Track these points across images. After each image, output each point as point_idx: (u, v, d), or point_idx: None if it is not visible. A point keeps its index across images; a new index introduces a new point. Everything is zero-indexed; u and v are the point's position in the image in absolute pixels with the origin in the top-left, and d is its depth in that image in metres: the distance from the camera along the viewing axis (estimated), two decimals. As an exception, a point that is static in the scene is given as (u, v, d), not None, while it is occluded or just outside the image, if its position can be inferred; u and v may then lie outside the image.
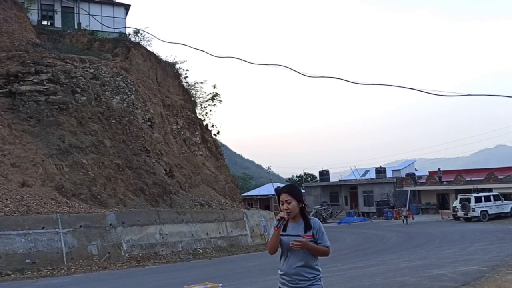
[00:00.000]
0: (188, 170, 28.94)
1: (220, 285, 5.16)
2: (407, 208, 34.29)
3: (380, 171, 50.15)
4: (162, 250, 19.27)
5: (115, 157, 22.98)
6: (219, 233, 23.12)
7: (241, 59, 15.19)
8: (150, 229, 19.30)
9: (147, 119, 27.40)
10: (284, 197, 3.92)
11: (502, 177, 39.54)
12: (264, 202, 55.44)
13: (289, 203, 3.88)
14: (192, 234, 21.34)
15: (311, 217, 4.01)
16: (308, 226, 3.90)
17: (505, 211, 31.67)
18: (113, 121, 24.50)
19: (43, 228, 15.27)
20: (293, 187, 4.09)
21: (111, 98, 25.55)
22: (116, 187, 21.75)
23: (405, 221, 32.98)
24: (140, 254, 18.01)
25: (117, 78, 26.61)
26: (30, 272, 13.27)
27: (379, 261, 13.13)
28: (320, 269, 3.95)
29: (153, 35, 25.59)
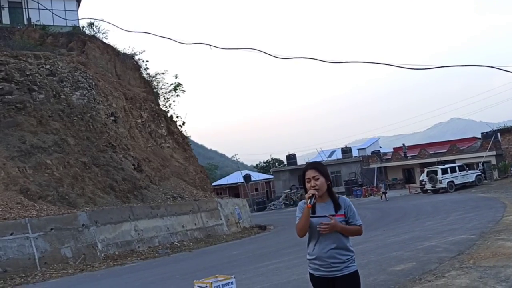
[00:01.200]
0: (157, 163, 28.23)
1: (233, 276, 4.79)
2: (384, 185, 34.67)
3: (346, 151, 50.71)
4: (138, 247, 18.72)
5: (80, 155, 22.07)
6: (195, 224, 22.72)
7: (210, 45, 14.68)
8: (124, 226, 18.69)
9: (110, 114, 26.42)
10: (311, 173, 3.60)
11: (463, 148, 40.74)
12: (233, 190, 55.15)
13: (316, 179, 3.57)
14: (168, 228, 20.86)
15: (339, 196, 3.72)
16: (337, 205, 3.61)
17: (470, 180, 32.62)
18: (75, 118, 23.48)
19: (11, 234, 14.40)
20: (320, 163, 3.80)
21: (71, 94, 24.43)
22: (84, 186, 20.90)
23: (383, 197, 33.26)
24: (117, 253, 17.44)
25: (75, 73, 25.46)
26: (2, 281, 12.47)
27: (364, 239, 13.05)
28: (353, 250, 3.67)
29: (114, 25, 24.54)
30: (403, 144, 46.20)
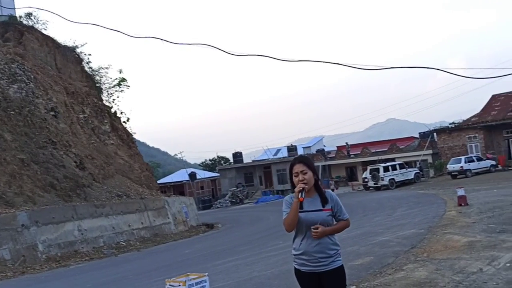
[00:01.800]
0: (100, 160, 27.21)
1: (206, 274, 4.62)
2: (333, 182, 35.33)
3: (292, 149, 51.42)
4: (82, 247, 17.98)
5: (18, 151, 20.83)
6: (142, 223, 22.17)
7: (162, 39, 14.24)
8: (67, 226, 17.88)
9: (50, 109, 25.13)
10: (298, 167, 3.54)
11: (402, 147, 42.47)
12: (178, 189, 54.29)
13: (304, 174, 3.52)
14: (113, 227, 20.20)
15: (326, 190, 3.69)
16: (324, 200, 3.58)
17: (409, 178, 34.04)
18: (12, 112, 22.15)
19: None
20: (307, 158, 3.76)
21: (7, 88, 23.03)
22: (23, 184, 19.74)
23: None
24: (59, 254, 16.66)
25: (12, 65, 24.04)
26: None
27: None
28: (339, 244, 3.64)
29: (57, 14, 23.24)
30: (346, 143, 47.48)
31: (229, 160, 67.68)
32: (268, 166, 51.25)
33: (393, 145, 42.81)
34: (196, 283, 4.48)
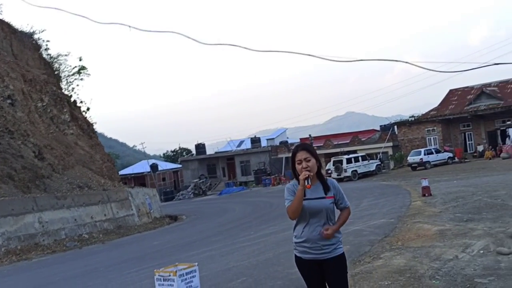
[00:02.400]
0: (60, 151, 26.31)
1: (196, 264, 4.49)
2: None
3: (255, 141, 51.48)
4: (43, 240, 17.35)
5: (-28, 141, 19.84)
6: (105, 215, 21.63)
7: (129, 26, 13.80)
8: (27, 218, 17.20)
9: (6, 97, 24.03)
10: (302, 155, 3.49)
11: (364, 139, 43.30)
12: (139, 180, 53.36)
13: (308, 161, 3.46)
14: (75, 220, 19.60)
15: (327, 177, 3.64)
16: (327, 187, 3.54)
17: (371, 169, 34.79)
18: (-34, 99, 21.05)
19: None
20: (310, 145, 3.74)
21: (-40, 73, 21.85)
22: (-21, 175, 18.85)
23: None
24: (19, 247, 16.02)
25: (-35, 50, 22.80)
26: None
27: (290, 225, 13.25)
28: (341, 231, 3.61)
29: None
30: (309, 135, 47.92)
31: (191, 152, 67.06)
32: (231, 158, 51.12)
33: (355, 137, 43.57)
34: (187, 273, 4.35)
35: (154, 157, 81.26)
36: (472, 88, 40.26)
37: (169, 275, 4.25)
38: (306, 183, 3.36)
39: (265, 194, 33.17)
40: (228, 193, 42.23)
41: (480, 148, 35.82)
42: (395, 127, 41.36)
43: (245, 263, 8.12)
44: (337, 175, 33.70)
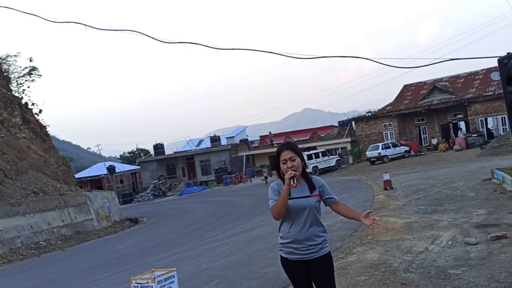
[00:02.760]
0: (12, 155, 25.14)
1: (174, 269, 4.32)
2: (267, 169, 35.55)
3: (215, 139, 51.13)
4: (-3, 250, 16.52)
5: None
6: (62, 221, 20.89)
7: (85, 24, 13.29)
8: (-20, 227, 16.34)
9: (-48, 99, 22.78)
10: (287, 154, 3.40)
11: (323, 135, 43.88)
12: (96, 183, 51.93)
13: (293, 160, 3.39)
14: (31, 227, 18.80)
15: (312, 176, 3.56)
16: (312, 186, 3.46)
17: (331, 165, 35.27)
18: None
19: None
20: (294, 144, 3.66)
21: None
22: None
23: (267, 181, 33.62)
24: (-28, 258, 15.17)
25: None
26: None
27: (256, 224, 13.21)
28: (326, 230, 3.55)
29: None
30: (270, 132, 48.06)
31: (149, 152, 65.85)
32: (191, 157, 50.57)
33: (314, 133, 44.07)
34: (165, 279, 4.18)
35: (110, 159, 79.16)
36: (425, 83, 41.57)
37: (147, 282, 4.06)
38: (292, 183, 3.27)
39: (227, 193, 33.01)
40: (189, 193, 41.75)
41: (434, 141, 37.05)
42: (353, 122, 42.13)
43: (217, 264, 7.96)
44: (298, 172, 33.94)
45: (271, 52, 13.66)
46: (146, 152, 69.78)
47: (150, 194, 46.38)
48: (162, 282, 4.12)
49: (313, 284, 3.49)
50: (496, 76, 34.94)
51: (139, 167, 55.36)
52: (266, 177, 34.37)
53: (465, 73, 40.05)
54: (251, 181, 40.91)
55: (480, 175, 15.63)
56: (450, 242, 7.18)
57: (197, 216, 21.03)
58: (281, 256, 3.52)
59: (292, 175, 3.29)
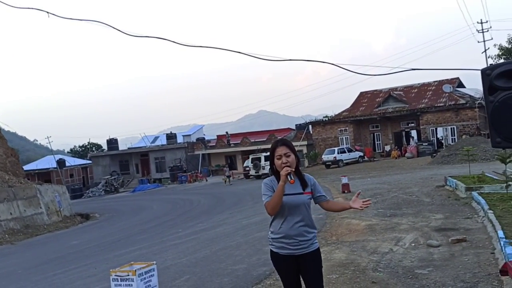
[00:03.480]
0: (-43, 144, 23.88)
1: (154, 262, 4.24)
2: (227, 169, 35.32)
3: (171, 137, 50.47)
4: None
5: None
6: (11, 214, 20.03)
7: (48, 12, 12.82)
8: None
9: None
10: (282, 150, 3.46)
11: (280, 137, 44.25)
12: (44, 177, 49.97)
13: (288, 156, 3.45)
14: (-23, 219, 17.89)
15: (304, 173, 3.61)
16: (304, 183, 3.52)
17: (287, 166, 35.59)
18: None
19: None
20: (289, 140, 3.70)
21: None
22: None
23: (227, 181, 33.21)
24: None
25: None
26: None
27: (218, 222, 13.16)
28: (316, 227, 3.62)
29: None
30: (226, 132, 47.99)
31: (102, 147, 64.14)
32: (145, 154, 49.69)
33: (271, 135, 44.38)
34: (145, 272, 4.10)
35: (59, 152, 76.47)
36: (380, 91, 42.84)
37: (128, 275, 3.97)
38: (289, 179, 3.31)
39: (182, 192, 32.69)
40: (142, 190, 41.03)
41: (387, 148, 38.26)
42: (310, 126, 42.78)
43: (183, 260, 7.86)
44: (255, 172, 34.11)
45: (239, 52, 13.63)
46: (98, 146, 67.95)
47: (101, 190, 45.19)
48: (143, 275, 4.04)
49: (301, 278, 3.55)
50: (447, 88, 36.61)
51: (90, 161, 53.82)
52: (228, 177, 33.81)
53: (419, 83, 41.64)
54: (206, 180, 40.72)
55: (433, 182, 16.29)
56: (413, 244, 7.44)
57: (152, 213, 20.69)
58: (271, 250, 3.55)
59: (289, 171, 3.33)
